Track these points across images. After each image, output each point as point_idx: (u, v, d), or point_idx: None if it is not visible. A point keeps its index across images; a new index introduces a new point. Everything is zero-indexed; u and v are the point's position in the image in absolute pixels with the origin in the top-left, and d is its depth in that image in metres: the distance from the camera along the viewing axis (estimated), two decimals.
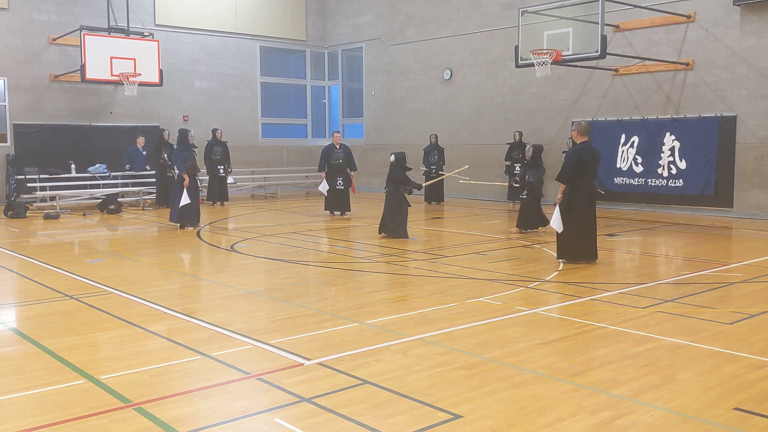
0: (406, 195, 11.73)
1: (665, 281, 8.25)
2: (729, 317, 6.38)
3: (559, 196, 9.20)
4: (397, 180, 11.73)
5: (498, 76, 19.21)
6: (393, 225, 11.65)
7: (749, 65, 14.60)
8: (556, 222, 9.16)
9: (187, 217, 13.09)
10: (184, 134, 13.38)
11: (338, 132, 16.36)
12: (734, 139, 14.81)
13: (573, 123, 10.54)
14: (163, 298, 7.32)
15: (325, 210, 15.46)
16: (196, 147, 13.56)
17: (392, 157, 11.84)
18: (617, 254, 10.35)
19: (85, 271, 8.80)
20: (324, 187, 15.23)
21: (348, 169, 15.39)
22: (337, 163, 15.30)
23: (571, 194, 9.09)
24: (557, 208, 9.18)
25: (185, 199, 12.80)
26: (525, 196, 12.54)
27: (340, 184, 15.23)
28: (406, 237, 11.57)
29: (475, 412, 4.14)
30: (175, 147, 13.26)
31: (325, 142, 24.83)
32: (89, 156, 18.60)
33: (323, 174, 15.35)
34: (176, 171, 13.14)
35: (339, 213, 15.36)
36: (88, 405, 4.27)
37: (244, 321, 6.36)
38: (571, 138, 16.48)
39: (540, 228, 12.31)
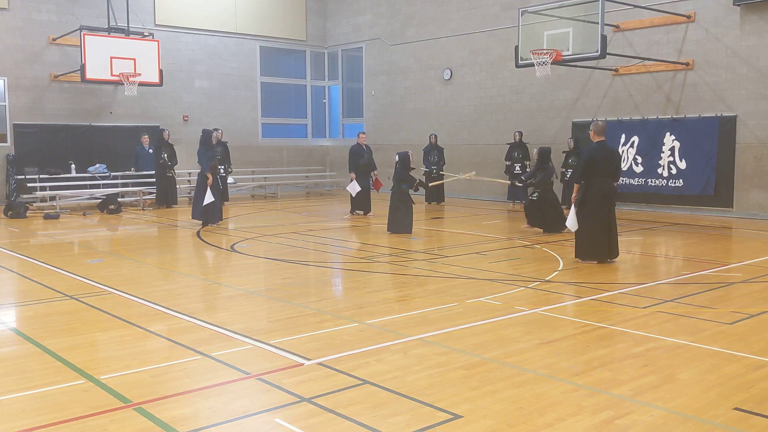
0: (410, 194, 12.41)
1: (665, 281, 8.25)
2: (729, 317, 6.38)
3: (574, 195, 9.36)
4: (401, 179, 12.41)
5: (498, 76, 19.21)
6: (395, 221, 12.25)
7: (749, 65, 14.60)
8: (571, 221, 9.32)
9: (210, 215, 13.41)
10: (207, 134, 13.57)
11: (364, 132, 16.28)
12: (734, 139, 14.81)
13: (591, 122, 10.54)
14: (163, 298, 7.31)
15: (352, 211, 15.42)
16: (219, 147, 13.61)
17: (396, 157, 12.58)
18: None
19: (85, 271, 8.80)
20: (354, 188, 15.10)
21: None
22: (365, 163, 15.28)
23: (584, 194, 9.19)
24: (573, 207, 9.35)
25: (209, 198, 13.12)
26: (535, 198, 12.47)
27: (370, 183, 15.26)
28: (409, 232, 12.10)
29: (475, 412, 4.14)
30: (199, 146, 13.58)
31: (326, 142, 24.98)
32: (89, 156, 18.62)
33: (353, 175, 15.28)
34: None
35: (363, 213, 15.32)
36: (88, 405, 4.27)
37: (244, 321, 6.36)
38: (573, 138, 16.65)
39: (541, 229, 12.27)
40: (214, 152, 13.64)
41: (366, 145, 15.54)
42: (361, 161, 15.21)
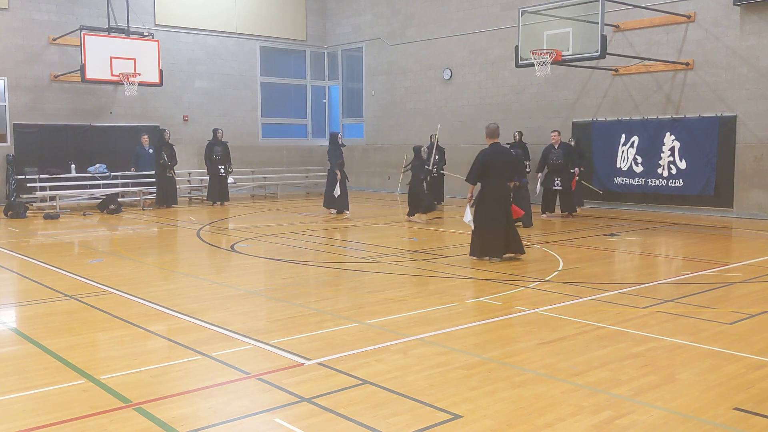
0: (424, 183, 14.58)
1: (665, 281, 8.25)
2: (729, 317, 6.38)
3: (469, 195, 9.77)
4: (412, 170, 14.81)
5: (498, 76, 19.20)
6: (410, 206, 14.49)
7: (749, 65, 14.60)
8: (468, 218, 9.73)
9: (339, 204, 15.45)
10: (335, 135, 15.82)
11: (555, 132, 15.59)
12: (734, 139, 14.81)
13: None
14: (163, 298, 7.32)
15: (543, 211, 15.20)
16: (344, 146, 15.87)
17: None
18: (617, 254, 10.36)
19: (85, 271, 8.80)
20: (538, 189, 15.17)
21: (568, 168, 14.94)
22: (556, 164, 14.96)
23: (480, 194, 9.53)
24: (467, 206, 9.71)
25: (338, 190, 15.28)
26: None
27: (557, 184, 14.89)
28: (410, 216, 14.33)
29: (475, 412, 4.14)
30: (329, 146, 15.77)
31: (326, 142, 24.84)
32: (89, 156, 18.62)
33: (539, 175, 15.30)
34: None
35: (568, 212, 14.99)
36: (88, 405, 4.27)
37: (244, 321, 6.36)
38: (573, 138, 16.65)
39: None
40: (341, 151, 15.58)
41: (562, 144, 15.19)
42: (551, 161, 15.01)
